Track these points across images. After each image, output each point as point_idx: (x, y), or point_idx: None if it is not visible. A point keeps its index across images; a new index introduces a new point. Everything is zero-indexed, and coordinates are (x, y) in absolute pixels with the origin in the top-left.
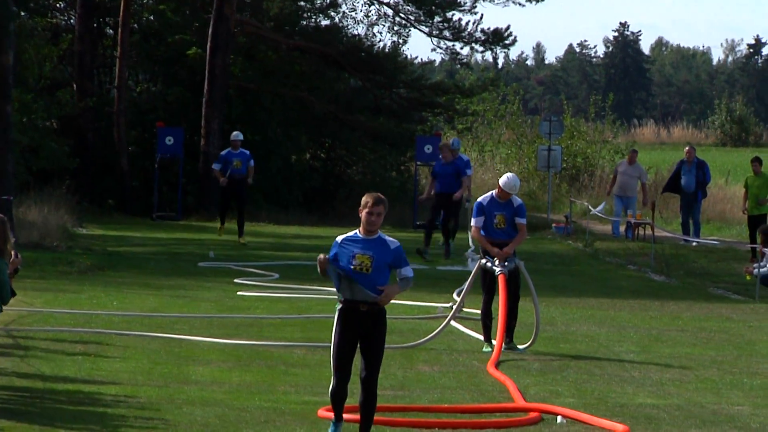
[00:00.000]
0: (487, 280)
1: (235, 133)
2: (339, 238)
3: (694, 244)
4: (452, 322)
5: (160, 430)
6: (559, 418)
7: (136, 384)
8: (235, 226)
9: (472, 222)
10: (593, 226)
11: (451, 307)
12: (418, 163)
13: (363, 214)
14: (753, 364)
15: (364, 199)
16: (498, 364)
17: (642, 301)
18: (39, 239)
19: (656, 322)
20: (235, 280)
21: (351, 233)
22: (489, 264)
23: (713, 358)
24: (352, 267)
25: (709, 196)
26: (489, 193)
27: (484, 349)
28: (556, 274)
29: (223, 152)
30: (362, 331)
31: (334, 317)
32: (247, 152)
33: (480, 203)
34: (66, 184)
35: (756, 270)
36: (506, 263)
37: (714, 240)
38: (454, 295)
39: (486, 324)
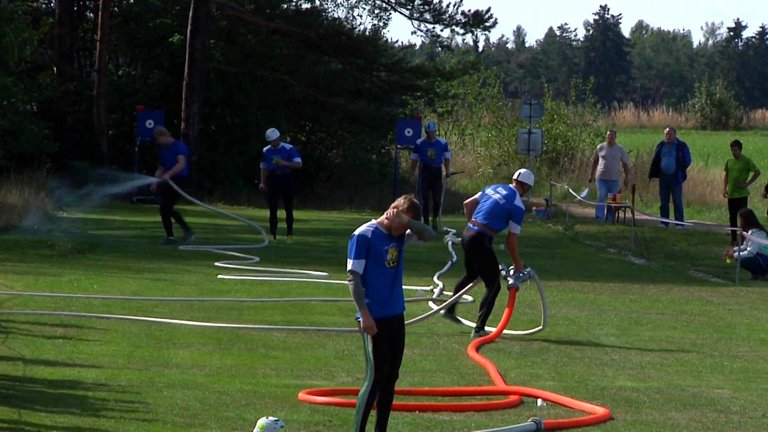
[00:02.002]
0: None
1: (269, 131)
2: (366, 234)
3: (678, 227)
4: (432, 305)
5: (140, 413)
6: (539, 401)
7: (116, 367)
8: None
9: (517, 230)
10: (573, 210)
11: (432, 291)
12: (399, 146)
13: (397, 218)
14: (733, 347)
15: (402, 203)
16: (479, 348)
17: (622, 284)
18: (19, 222)
19: (636, 305)
20: (216, 264)
21: (371, 227)
22: (504, 273)
23: (693, 341)
24: (386, 262)
25: (689, 180)
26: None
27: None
28: (536, 257)
29: (265, 149)
30: (393, 333)
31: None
32: (287, 146)
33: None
34: (46, 168)
35: (736, 253)
36: (520, 275)
37: (694, 223)
38: (435, 279)
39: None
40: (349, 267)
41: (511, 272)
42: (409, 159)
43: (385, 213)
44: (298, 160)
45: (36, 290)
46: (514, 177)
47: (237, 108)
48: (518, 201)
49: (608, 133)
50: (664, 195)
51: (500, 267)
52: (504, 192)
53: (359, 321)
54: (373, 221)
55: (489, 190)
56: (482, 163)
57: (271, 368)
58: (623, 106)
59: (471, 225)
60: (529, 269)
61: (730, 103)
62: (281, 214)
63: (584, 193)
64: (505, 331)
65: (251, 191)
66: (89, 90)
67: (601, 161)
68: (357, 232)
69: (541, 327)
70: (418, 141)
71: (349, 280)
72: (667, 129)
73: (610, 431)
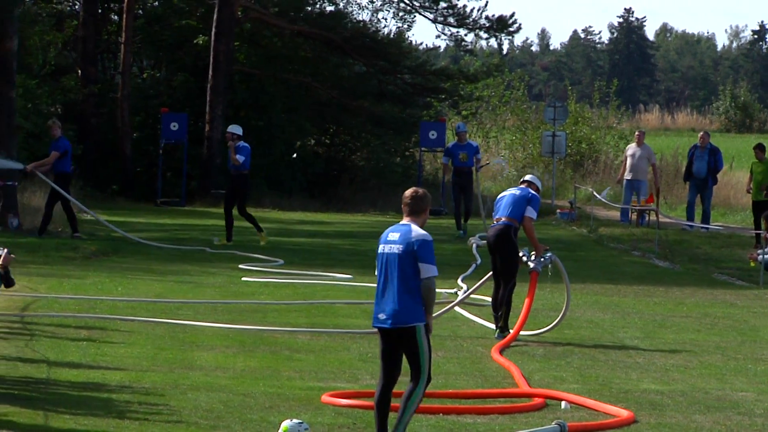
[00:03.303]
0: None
1: (233, 126)
2: None
3: (702, 230)
4: (456, 308)
5: (164, 416)
6: (563, 404)
7: (140, 370)
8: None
9: (533, 214)
10: (598, 212)
11: (456, 294)
12: (423, 148)
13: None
14: (757, 350)
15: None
16: (502, 350)
17: (646, 287)
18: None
19: (660, 308)
20: (240, 266)
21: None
22: (525, 258)
23: (717, 344)
24: None
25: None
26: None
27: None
28: (560, 260)
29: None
30: None
31: (424, 335)
32: (241, 144)
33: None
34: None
35: (760, 256)
36: (541, 259)
37: (719, 226)
38: (459, 281)
39: (497, 316)
40: (435, 272)
41: (532, 257)
42: (440, 162)
43: (419, 218)
44: (240, 158)
45: (60, 293)
46: (523, 179)
47: (261, 110)
48: (533, 192)
49: (636, 133)
50: (692, 195)
51: (521, 253)
52: (517, 188)
53: (427, 326)
54: (420, 227)
55: (501, 194)
56: (507, 166)
57: (295, 371)
58: (648, 109)
59: (494, 224)
60: (550, 254)
61: (755, 106)
62: (266, 218)
63: (604, 193)
64: (529, 333)
65: (275, 194)
66: (113, 92)
67: (629, 161)
68: (429, 236)
69: (564, 311)
70: (450, 144)
71: (433, 286)
72: (701, 133)
73: None
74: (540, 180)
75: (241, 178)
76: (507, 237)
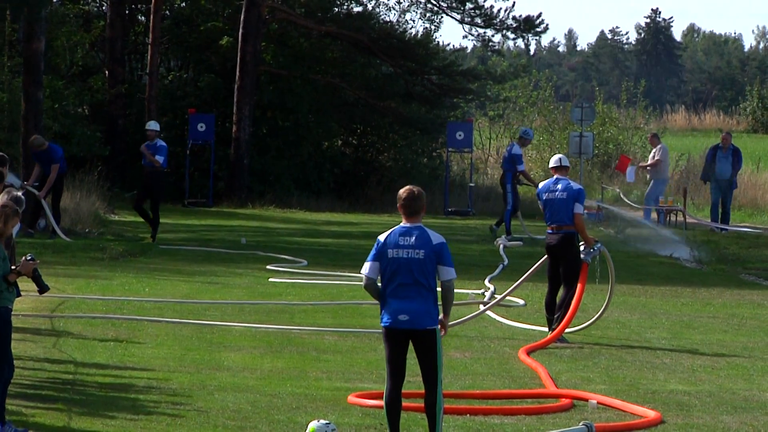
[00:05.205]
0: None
1: (150, 122)
2: None
3: (723, 232)
4: (481, 307)
5: (191, 417)
6: (590, 402)
7: (167, 370)
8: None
9: (580, 209)
10: (625, 213)
11: (483, 294)
12: (450, 149)
13: None
14: None
15: None
16: (530, 351)
17: (673, 287)
18: (71, 225)
19: (687, 308)
20: (267, 267)
21: None
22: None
23: (744, 344)
24: None
25: (740, 183)
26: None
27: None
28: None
29: (144, 144)
30: None
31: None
32: (160, 143)
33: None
34: (97, 171)
35: None
36: (591, 251)
37: (746, 227)
38: (486, 282)
39: (551, 318)
40: (455, 275)
41: (582, 248)
42: (467, 163)
43: (419, 217)
44: (160, 158)
45: (87, 293)
46: (556, 165)
47: (288, 111)
48: (574, 184)
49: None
50: (715, 196)
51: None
52: (560, 186)
53: (443, 325)
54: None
55: (546, 195)
56: (533, 167)
57: (322, 371)
58: (675, 110)
59: (551, 231)
60: (599, 245)
61: None
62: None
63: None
64: (570, 330)
65: (302, 194)
66: (140, 93)
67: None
68: (444, 239)
69: (607, 302)
70: (518, 150)
71: (453, 287)
72: (723, 134)
73: None
74: (567, 157)
75: (157, 175)
76: (572, 244)
